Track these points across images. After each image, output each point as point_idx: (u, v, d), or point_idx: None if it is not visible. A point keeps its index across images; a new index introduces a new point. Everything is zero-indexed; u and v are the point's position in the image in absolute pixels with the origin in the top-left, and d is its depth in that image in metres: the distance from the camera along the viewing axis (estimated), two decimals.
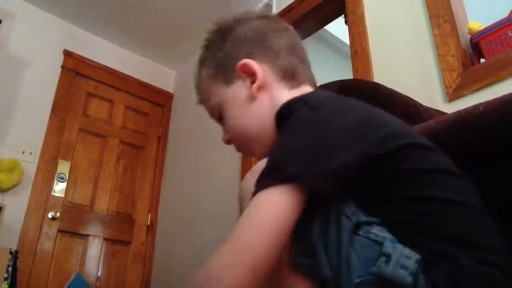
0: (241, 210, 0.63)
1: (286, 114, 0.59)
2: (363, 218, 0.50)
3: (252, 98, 0.69)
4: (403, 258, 0.45)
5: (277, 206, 0.48)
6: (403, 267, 0.44)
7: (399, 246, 0.47)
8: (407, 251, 0.46)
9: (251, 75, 0.70)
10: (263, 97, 0.69)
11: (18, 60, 2.55)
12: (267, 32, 0.73)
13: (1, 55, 2.48)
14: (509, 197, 0.58)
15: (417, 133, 0.60)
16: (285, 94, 0.70)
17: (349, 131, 0.52)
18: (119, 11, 2.73)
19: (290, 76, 0.71)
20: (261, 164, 0.61)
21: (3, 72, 2.47)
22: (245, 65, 0.70)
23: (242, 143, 0.73)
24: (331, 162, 0.49)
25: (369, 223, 0.49)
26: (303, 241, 0.49)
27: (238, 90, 0.70)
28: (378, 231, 0.49)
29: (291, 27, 0.78)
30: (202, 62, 0.77)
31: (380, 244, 0.47)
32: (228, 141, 0.74)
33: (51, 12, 2.79)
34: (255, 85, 0.69)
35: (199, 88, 0.77)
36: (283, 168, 0.50)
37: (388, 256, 0.45)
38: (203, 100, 0.77)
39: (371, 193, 0.52)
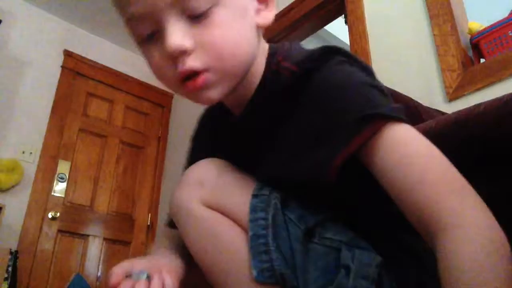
0: (180, 225, 0.54)
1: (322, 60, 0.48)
2: (311, 220, 0.47)
3: (253, 23, 0.50)
4: (362, 267, 0.43)
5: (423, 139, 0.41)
6: (364, 277, 0.43)
7: (357, 252, 0.45)
8: (365, 255, 0.44)
9: (262, 1, 0.52)
10: (259, 33, 0.53)
11: (18, 60, 2.55)
12: None
13: (1, 55, 2.48)
14: (508, 197, 0.58)
15: None
16: (264, 44, 0.55)
17: None
18: None
19: None
20: (197, 174, 0.53)
21: (3, 72, 2.47)
22: None
23: (215, 67, 0.46)
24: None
25: (322, 224, 0.47)
26: (261, 255, 0.46)
27: (249, 4, 0.50)
28: (333, 234, 0.46)
29: None
30: None
31: (336, 250, 0.45)
32: (184, 49, 0.44)
33: (51, 12, 2.79)
34: (267, 14, 0.52)
35: None
36: (382, 106, 0.42)
37: (347, 268, 0.44)
38: None
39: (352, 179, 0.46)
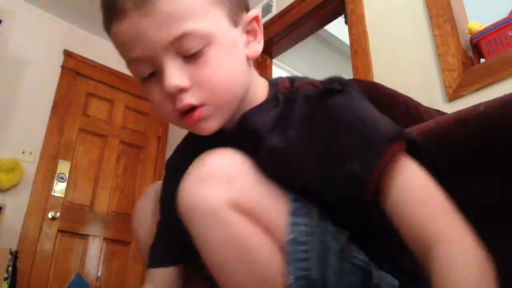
0: (195, 229, 0.48)
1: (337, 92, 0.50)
2: (344, 235, 0.48)
3: (243, 55, 0.53)
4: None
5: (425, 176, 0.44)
6: None
7: (383, 274, 0.48)
8: (389, 277, 0.48)
9: (251, 34, 0.55)
10: (249, 63, 0.55)
11: (18, 60, 2.55)
12: None
13: (1, 55, 2.48)
14: (508, 197, 0.58)
15: None
16: (257, 75, 0.59)
17: None
18: None
19: None
20: (223, 167, 0.50)
21: (3, 72, 2.47)
22: (258, 19, 0.55)
23: (210, 101, 0.49)
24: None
25: (348, 242, 0.49)
26: (300, 262, 0.46)
27: (238, 39, 0.53)
28: (356, 253, 0.48)
29: None
30: None
31: (362, 269, 0.47)
32: (181, 88, 0.48)
33: (51, 12, 2.79)
34: (256, 46, 0.55)
35: None
36: (401, 134, 0.45)
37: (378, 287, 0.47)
38: (167, 13, 0.45)
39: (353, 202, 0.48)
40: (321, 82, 0.53)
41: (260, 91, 0.57)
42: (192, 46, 0.46)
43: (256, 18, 0.54)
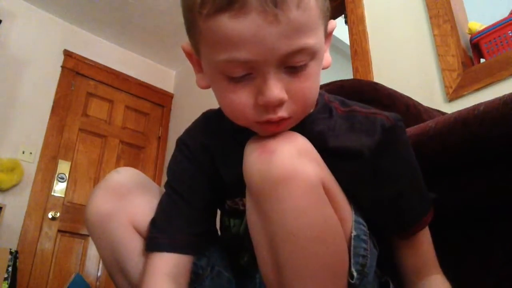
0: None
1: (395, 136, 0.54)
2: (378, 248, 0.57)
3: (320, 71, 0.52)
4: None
5: None
6: None
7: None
8: None
9: (326, 43, 0.54)
10: None
11: (18, 60, 2.55)
12: None
13: (1, 55, 2.48)
14: (508, 197, 0.58)
15: None
16: None
17: None
18: (119, 11, 2.73)
19: None
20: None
21: (3, 72, 2.47)
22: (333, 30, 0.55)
23: (297, 114, 0.50)
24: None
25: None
26: (359, 257, 0.51)
27: (323, 49, 0.51)
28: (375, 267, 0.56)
29: None
30: None
31: (379, 282, 0.57)
32: (282, 101, 0.46)
33: (51, 12, 2.79)
34: (328, 56, 0.54)
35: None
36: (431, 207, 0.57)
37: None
38: (295, 25, 0.43)
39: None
40: (388, 115, 0.55)
41: None
42: (301, 60, 0.45)
43: (333, 30, 0.53)
